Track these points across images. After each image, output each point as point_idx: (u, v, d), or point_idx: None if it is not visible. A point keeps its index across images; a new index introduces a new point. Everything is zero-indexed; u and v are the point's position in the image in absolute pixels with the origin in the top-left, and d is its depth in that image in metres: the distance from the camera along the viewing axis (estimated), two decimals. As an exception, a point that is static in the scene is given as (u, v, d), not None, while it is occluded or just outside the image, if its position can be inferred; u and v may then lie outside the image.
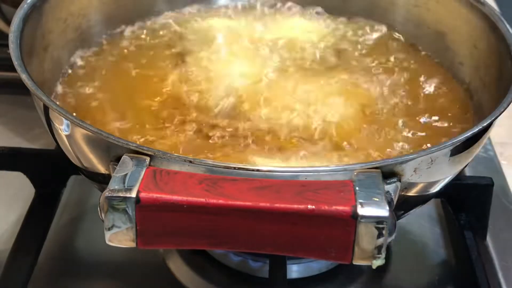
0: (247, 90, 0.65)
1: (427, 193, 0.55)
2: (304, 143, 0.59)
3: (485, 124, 0.52)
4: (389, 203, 0.44)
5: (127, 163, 0.46)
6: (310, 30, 0.75)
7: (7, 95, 0.83)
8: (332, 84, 0.66)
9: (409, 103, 0.65)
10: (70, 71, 0.67)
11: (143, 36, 0.73)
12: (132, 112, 0.62)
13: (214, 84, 0.65)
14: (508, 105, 0.54)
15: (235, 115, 0.62)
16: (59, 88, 0.65)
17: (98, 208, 0.45)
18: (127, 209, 0.44)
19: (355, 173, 0.46)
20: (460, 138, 0.51)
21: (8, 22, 0.85)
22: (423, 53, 0.73)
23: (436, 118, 0.64)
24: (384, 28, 0.76)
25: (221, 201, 0.44)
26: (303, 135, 0.60)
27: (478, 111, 0.64)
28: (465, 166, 0.58)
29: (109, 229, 0.45)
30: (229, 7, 0.78)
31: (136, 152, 0.47)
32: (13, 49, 0.56)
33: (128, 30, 0.74)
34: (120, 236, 0.45)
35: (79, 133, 0.51)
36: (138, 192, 0.44)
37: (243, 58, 0.70)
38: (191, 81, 0.66)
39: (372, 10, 0.77)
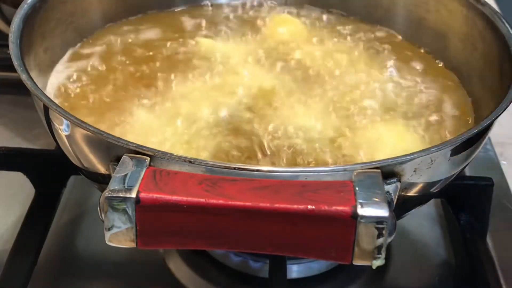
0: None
1: (427, 193, 0.55)
2: None
3: (485, 124, 0.52)
4: (389, 203, 0.44)
5: (127, 163, 0.46)
6: (308, 30, 0.75)
7: (7, 95, 0.83)
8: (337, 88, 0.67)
9: (409, 103, 0.65)
10: (70, 71, 0.67)
11: (144, 36, 0.73)
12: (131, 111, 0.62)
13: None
14: (508, 105, 0.54)
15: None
16: (59, 88, 0.65)
17: (98, 208, 0.45)
18: (127, 209, 0.44)
19: (355, 173, 0.46)
20: (460, 138, 0.51)
21: (8, 22, 0.85)
22: (422, 52, 0.73)
23: (435, 117, 0.64)
24: (383, 28, 0.76)
25: (221, 201, 0.44)
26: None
27: (478, 111, 0.64)
28: (465, 166, 0.58)
29: (109, 229, 0.45)
30: (227, 7, 0.79)
31: (136, 152, 0.47)
32: (13, 49, 0.56)
33: (128, 30, 0.74)
34: (120, 236, 0.45)
35: (79, 133, 0.51)
36: (138, 192, 0.44)
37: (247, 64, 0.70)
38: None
39: (372, 10, 0.77)
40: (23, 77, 0.53)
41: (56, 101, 0.60)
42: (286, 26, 0.75)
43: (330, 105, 0.63)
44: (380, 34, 0.75)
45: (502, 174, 0.75)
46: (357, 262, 0.44)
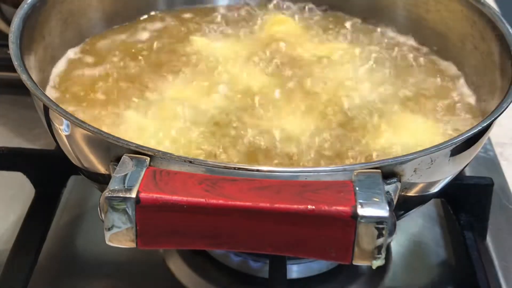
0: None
1: (427, 193, 0.55)
2: None
3: (485, 124, 0.52)
4: (389, 203, 0.44)
5: (127, 163, 0.46)
6: (304, 30, 0.75)
7: (7, 95, 0.83)
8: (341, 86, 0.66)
9: (408, 103, 0.65)
10: (70, 70, 0.67)
11: (143, 36, 0.73)
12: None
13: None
14: (508, 105, 0.54)
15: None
16: (60, 88, 0.65)
17: (98, 208, 0.45)
18: (127, 209, 0.44)
19: (355, 173, 0.46)
20: (460, 138, 0.51)
21: (8, 22, 0.85)
22: (423, 51, 0.73)
23: (435, 117, 0.64)
24: (383, 28, 0.76)
25: (221, 201, 0.44)
26: None
27: (478, 111, 0.64)
28: (465, 166, 0.58)
29: (109, 229, 0.45)
30: (226, 8, 0.79)
31: (136, 152, 0.47)
32: (13, 49, 0.56)
33: (127, 30, 0.74)
34: (120, 236, 0.45)
35: (79, 133, 0.51)
36: (138, 192, 0.44)
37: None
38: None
39: (372, 11, 0.77)
40: (23, 77, 0.53)
41: (56, 101, 0.60)
42: (281, 26, 0.75)
43: (327, 105, 0.63)
44: (378, 33, 0.75)
45: (502, 174, 0.75)
46: (357, 262, 0.44)
